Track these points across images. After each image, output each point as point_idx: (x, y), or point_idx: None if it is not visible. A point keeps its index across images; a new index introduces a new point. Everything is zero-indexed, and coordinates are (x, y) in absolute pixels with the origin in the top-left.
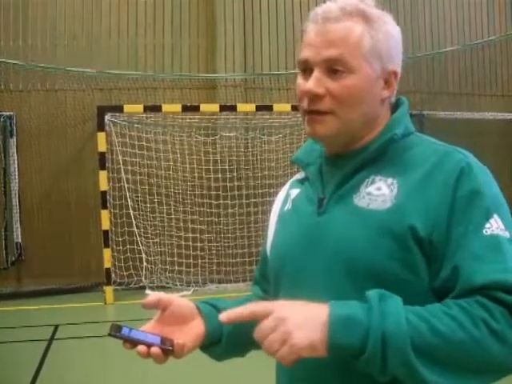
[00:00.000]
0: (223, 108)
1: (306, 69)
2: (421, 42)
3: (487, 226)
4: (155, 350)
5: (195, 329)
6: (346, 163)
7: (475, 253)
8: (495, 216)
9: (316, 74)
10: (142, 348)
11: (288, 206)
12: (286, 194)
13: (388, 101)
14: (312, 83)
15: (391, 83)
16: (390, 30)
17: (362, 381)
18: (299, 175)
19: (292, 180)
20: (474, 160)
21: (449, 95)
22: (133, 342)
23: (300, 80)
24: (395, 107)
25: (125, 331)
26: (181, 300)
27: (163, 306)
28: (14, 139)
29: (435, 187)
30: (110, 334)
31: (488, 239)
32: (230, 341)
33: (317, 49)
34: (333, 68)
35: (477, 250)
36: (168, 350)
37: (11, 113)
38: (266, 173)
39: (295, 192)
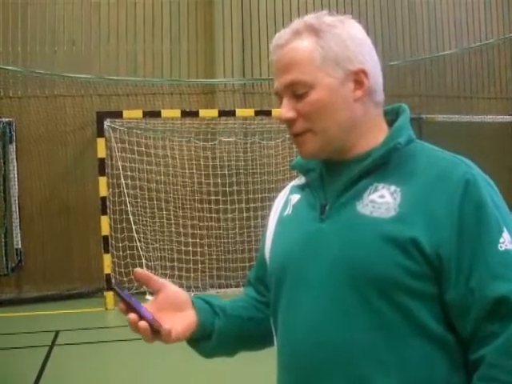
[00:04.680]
0: (222, 113)
1: (280, 98)
2: (419, 45)
3: (501, 240)
4: (143, 324)
5: (188, 317)
6: (347, 170)
7: (493, 271)
8: (505, 229)
9: (284, 100)
10: (133, 316)
11: (288, 210)
12: (286, 199)
13: (368, 100)
14: (282, 110)
15: (362, 82)
16: (343, 32)
17: None
18: (299, 180)
19: (292, 185)
20: (478, 171)
21: (447, 98)
22: (128, 306)
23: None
24: (395, 114)
25: (126, 294)
26: (176, 288)
27: (154, 286)
28: (14, 145)
29: (440, 198)
30: (114, 289)
31: (503, 254)
32: (220, 338)
33: (278, 78)
34: (294, 90)
35: (495, 267)
36: (156, 328)
37: (10, 119)
38: (266, 177)
39: (296, 197)
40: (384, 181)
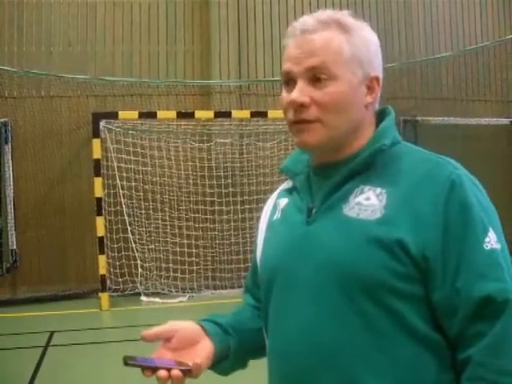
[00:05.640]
0: (218, 114)
1: (289, 81)
2: (415, 47)
3: (486, 240)
4: (176, 372)
5: (205, 349)
6: (334, 173)
7: (479, 271)
8: (490, 229)
9: (299, 84)
10: (163, 372)
11: (277, 215)
12: (275, 203)
13: (372, 107)
14: (296, 93)
15: (374, 89)
16: (368, 36)
17: None
18: (287, 184)
19: (280, 189)
20: (464, 171)
21: (443, 101)
22: (152, 369)
23: (284, 93)
24: (381, 116)
25: (140, 359)
26: (184, 324)
27: (165, 337)
28: (9, 146)
29: (425, 200)
30: (127, 364)
31: (488, 254)
32: (236, 355)
33: (298, 60)
34: (316, 76)
35: (480, 267)
36: (187, 370)
37: (6, 119)
38: (261, 179)
39: (284, 201)
40: (370, 183)
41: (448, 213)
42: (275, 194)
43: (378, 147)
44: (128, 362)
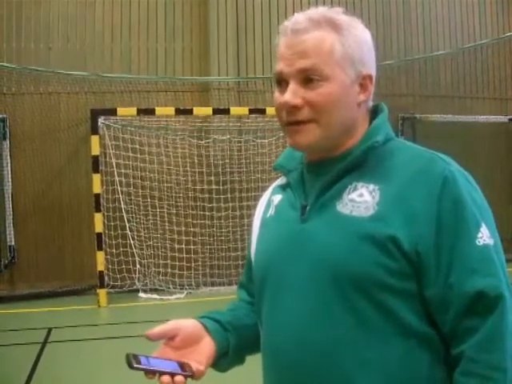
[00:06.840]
0: (216, 111)
1: (281, 81)
2: (413, 45)
3: (479, 235)
4: (179, 378)
5: (206, 348)
6: (327, 170)
7: (472, 266)
8: (483, 224)
9: (292, 85)
10: (166, 378)
11: (271, 211)
12: (269, 200)
13: (365, 105)
14: (288, 95)
15: (367, 87)
16: (360, 35)
17: None
18: (281, 181)
19: (274, 185)
20: (457, 167)
21: (441, 98)
22: (155, 372)
23: (276, 93)
24: (374, 113)
25: (144, 361)
26: (186, 323)
27: (169, 336)
28: (8, 142)
29: (418, 196)
30: (132, 367)
31: (481, 250)
32: (235, 352)
33: (290, 61)
34: (308, 77)
35: (473, 262)
36: (189, 375)
37: (4, 115)
38: (259, 176)
39: (278, 198)
40: (363, 179)
41: (441, 209)
42: (269, 190)
43: (371, 144)
44: (133, 366)
